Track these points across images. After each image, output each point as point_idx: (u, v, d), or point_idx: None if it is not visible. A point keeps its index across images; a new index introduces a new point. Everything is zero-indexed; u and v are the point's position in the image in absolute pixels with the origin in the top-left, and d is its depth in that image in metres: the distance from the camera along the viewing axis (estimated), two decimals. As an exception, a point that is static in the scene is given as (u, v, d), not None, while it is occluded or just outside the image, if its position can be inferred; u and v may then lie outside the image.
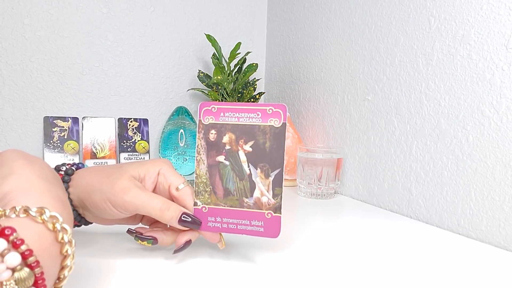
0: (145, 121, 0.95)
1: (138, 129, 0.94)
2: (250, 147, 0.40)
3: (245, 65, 0.95)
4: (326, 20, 0.85)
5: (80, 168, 0.42)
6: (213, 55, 0.92)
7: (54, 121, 0.87)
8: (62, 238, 0.26)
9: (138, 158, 0.92)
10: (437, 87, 0.61)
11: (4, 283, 0.22)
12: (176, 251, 0.40)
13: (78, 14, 0.88)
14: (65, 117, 0.88)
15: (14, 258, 0.22)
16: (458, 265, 0.44)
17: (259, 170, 0.40)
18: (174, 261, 0.42)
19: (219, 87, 0.94)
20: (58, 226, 0.26)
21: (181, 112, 0.97)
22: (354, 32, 0.77)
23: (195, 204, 0.41)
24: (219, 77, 0.90)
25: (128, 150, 0.92)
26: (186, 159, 0.95)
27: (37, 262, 0.23)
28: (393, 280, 0.40)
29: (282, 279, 0.39)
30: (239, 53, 0.92)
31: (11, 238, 0.23)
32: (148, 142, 0.94)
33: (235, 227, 0.40)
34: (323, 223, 0.59)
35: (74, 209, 0.41)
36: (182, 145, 0.95)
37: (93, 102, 0.92)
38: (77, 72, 0.90)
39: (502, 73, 0.52)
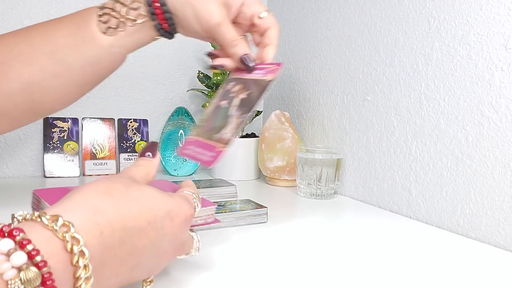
0: (145, 122, 0.95)
1: (138, 129, 0.94)
2: (246, 95, 0.47)
3: (244, 66, 0.95)
4: (326, 21, 0.85)
5: None
6: (212, 55, 0.92)
7: (53, 122, 0.87)
8: (72, 248, 0.24)
9: (137, 159, 0.92)
10: (436, 88, 0.61)
11: (9, 282, 0.22)
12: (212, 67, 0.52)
13: (78, 14, 0.88)
14: (64, 118, 0.88)
15: (19, 257, 0.22)
16: (458, 265, 0.44)
17: (238, 112, 0.46)
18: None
19: (219, 88, 0.94)
20: (67, 236, 0.24)
21: (181, 112, 0.97)
22: (353, 32, 0.77)
23: (191, 133, 0.48)
24: (219, 78, 0.90)
25: (128, 150, 0.92)
26: (186, 160, 0.95)
27: (45, 262, 0.23)
28: (393, 280, 0.40)
29: (281, 280, 0.39)
30: (239, 53, 0.92)
31: (17, 238, 0.23)
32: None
33: (197, 156, 0.44)
34: (323, 224, 0.59)
35: (168, 11, 0.47)
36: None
37: (93, 103, 0.92)
38: (76, 73, 0.89)
39: (501, 73, 0.52)
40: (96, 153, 0.89)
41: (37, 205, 0.41)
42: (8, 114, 0.48)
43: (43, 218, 0.25)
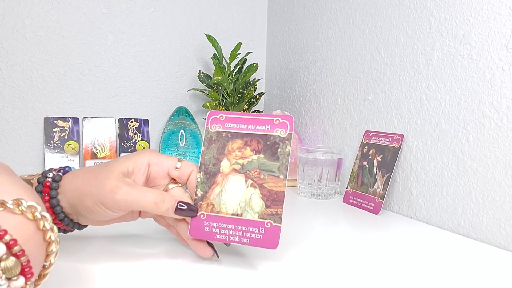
0: (146, 122, 0.95)
1: (139, 129, 0.94)
2: None
3: (245, 66, 0.95)
4: (327, 20, 0.85)
5: (67, 172, 0.41)
6: (213, 55, 0.92)
7: (54, 122, 0.87)
8: (44, 226, 0.26)
9: (138, 158, 0.92)
10: (437, 87, 0.61)
11: None
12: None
13: (79, 14, 0.88)
14: (65, 118, 0.88)
15: None
16: (459, 265, 0.44)
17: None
18: (170, 266, 0.42)
19: (220, 88, 0.94)
20: (38, 214, 0.26)
21: (181, 112, 0.97)
22: (354, 32, 0.77)
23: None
24: (219, 78, 0.90)
25: (129, 150, 0.92)
26: (187, 160, 0.95)
27: (22, 251, 0.24)
28: (393, 280, 0.40)
29: (281, 279, 0.39)
30: (240, 53, 0.93)
31: None
32: (149, 143, 0.94)
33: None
34: (323, 224, 0.59)
35: (66, 216, 0.40)
36: (183, 145, 0.95)
37: (94, 103, 0.92)
38: (77, 73, 0.90)
39: (502, 73, 0.52)
40: (97, 152, 0.89)
41: None
42: None
43: (7, 205, 0.25)
